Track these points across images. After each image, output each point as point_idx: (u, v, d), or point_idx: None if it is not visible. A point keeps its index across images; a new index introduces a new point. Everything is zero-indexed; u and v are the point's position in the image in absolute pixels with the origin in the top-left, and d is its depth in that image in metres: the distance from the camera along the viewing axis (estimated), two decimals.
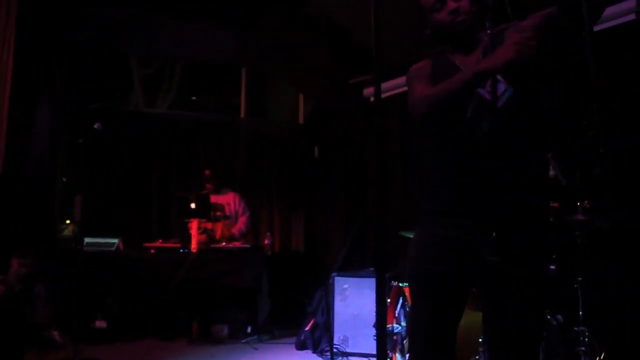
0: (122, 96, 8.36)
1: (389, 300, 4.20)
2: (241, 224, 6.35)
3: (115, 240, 5.92)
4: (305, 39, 6.54)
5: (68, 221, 6.54)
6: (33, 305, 4.77)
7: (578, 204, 3.40)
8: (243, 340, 5.56)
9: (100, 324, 5.41)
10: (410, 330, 2.42)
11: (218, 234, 6.20)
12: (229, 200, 6.40)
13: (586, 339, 3.28)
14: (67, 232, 6.39)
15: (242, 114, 7.96)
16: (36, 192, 6.04)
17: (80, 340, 4.40)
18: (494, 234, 1.96)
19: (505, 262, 1.99)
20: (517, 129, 2.08)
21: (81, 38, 6.32)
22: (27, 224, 5.65)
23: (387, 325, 4.13)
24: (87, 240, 5.79)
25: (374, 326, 4.64)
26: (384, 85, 6.19)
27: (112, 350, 5.09)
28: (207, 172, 6.39)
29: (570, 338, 3.35)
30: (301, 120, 8.04)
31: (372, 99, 6.41)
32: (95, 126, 4.78)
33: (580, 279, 3.38)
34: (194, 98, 9.31)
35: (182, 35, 6.77)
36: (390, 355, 4.12)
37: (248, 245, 6.08)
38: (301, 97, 8.07)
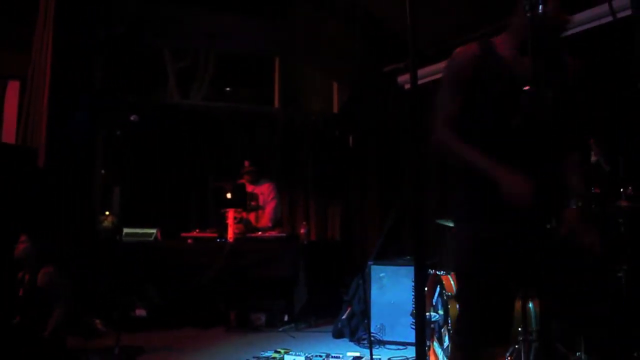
0: (157, 89, 8.46)
1: (426, 288, 4.17)
2: (266, 219, 6.38)
3: (154, 231, 6.01)
4: (338, 28, 6.51)
5: (107, 212, 6.66)
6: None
7: (621, 190, 3.30)
8: (280, 329, 5.61)
9: (140, 312, 5.51)
10: (464, 320, 2.37)
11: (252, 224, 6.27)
12: (263, 190, 6.43)
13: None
14: (107, 223, 6.51)
15: (276, 104, 7.98)
16: (76, 184, 6.17)
17: (121, 328, 4.48)
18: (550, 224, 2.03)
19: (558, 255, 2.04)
20: (557, 131, 2.12)
21: (116, 33, 6.42)
22: (68, 216, 5.77)
23: (425, 314, 4.10)
24: (126, 230, 5.91)
25: (411, 315, 4.63)
26: (419, 72, 6.17)
27: (152, 338, 5.17)
28: (246, 163, 6.45)
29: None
30: (335, 109, 8.01)
31: (406, 86, 6.35)
32: (132, 118, 4.82)
33: (624, 267, 3.29)
34: (228, 89, 9.36)
35: (215, 28, 6.81)
36: (428, 344, 4.10)
37: (284, 234, 6.09)
38: (335, 86, 8.04)
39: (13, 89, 6.41)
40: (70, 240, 5.52)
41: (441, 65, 5.85)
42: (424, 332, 1.79)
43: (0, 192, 4.94)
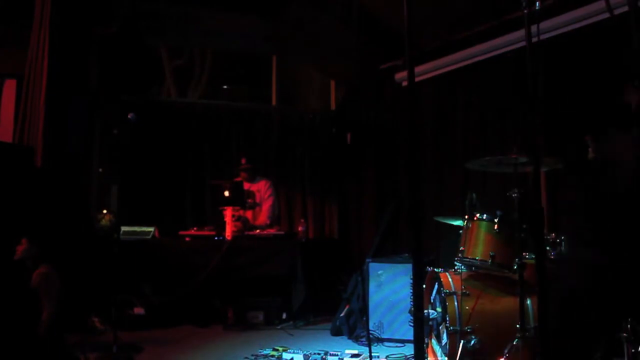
0: (154, 87, 8.43)
1: (424, 286, 4.18)
2: (263, 216, 6.39)
3: (151, 229, 6.01)
4: (335, 26, 6.51)
5: (105, 211, 6.64)
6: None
7: None
8: (278, 327, 5.61)
9: (138, 310, 5.51)
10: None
11: (249, 222, 6.27)
12: (260, 188, 6.44)
13: (628, 325, 3.21)
14: (104, 221, 6.49)
15: (274, 102, 7.97)
16: (73, 182, 6.16)
17: (119, 326, 4.47)
18: None
19: None
20: None
21: (112, 31, 6.41)
22: (65, 215, 5.75)
23: (423, 311, 4.11)
24: (123, 229, 5.90)
25: (409, 312, 4.63)
26: (417, 69, 6.16)
27: (150, 336, 5.18)
28: (242, 160, 6.46)
29: None
30: (333, 107, 8.01)
31: (404, 83, 6.36)
32: (129, 116, 4.80)
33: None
34: (225, 87, 9.35)
35: (211, 26, 6.81)
36: (426, 341, 4.11)
37: (282, 232, 6.10)
38: (332, 83, 8.04)
39: (10, 87, 6.40)
40: (68, 239, 5.51)
41: (440, 61, 5.88)
42: (422, 330, 1.80)
43: None
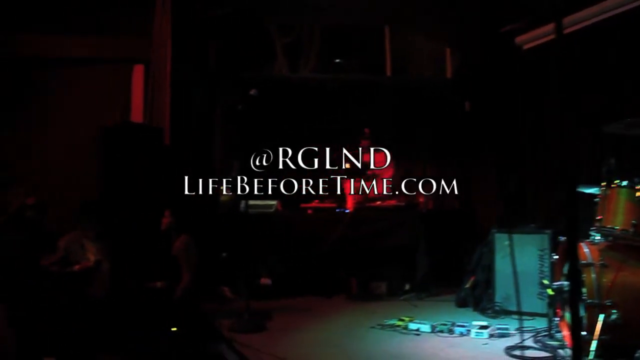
0: (266, 64, 8.58)
1: (557, 256, 4.01)
2: (380, 187, 6.34)
3: (274, 202, 6.16)
4: None
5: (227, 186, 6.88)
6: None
7: None
8: (401, 297, 5.62)
9: (265, 281, 5.71)
10: None
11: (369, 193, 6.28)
12: (380, 159, 6.40)
13: None
14: (226, 196, 6.74)
15: (388, 73, 7.87)
16: (197, 159, 6.46)
17: (248, 296, 4.68)
18: None
19: None
20: None
21: (228, 11, 6.58)
22: (193, 191, 6.04)
23: (556, 282, 3.95)
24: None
25: (539, 284, 4.47)
26: (538, 32, 5.84)
27: (276, 305, 5.35)
28: (366, 130, 6.42)
29: None
30: (449, 75, 7.79)
31: (526, 46, 6.06)
32: (252, 92, 4.95)
33: None
34: (337, 61, 9.33)
35: (323, 1, 6.80)
36: (561, 313, 3.96)
37: (403, 203, 6.05)
38: (448, 50, 7.81)
39: (138, 72, 6.74)
40: (196, 212, 5.81)
41: (566, 20, 5.52)
42: (578, 307, 1.72)
43: (137, 167, 5.31)
